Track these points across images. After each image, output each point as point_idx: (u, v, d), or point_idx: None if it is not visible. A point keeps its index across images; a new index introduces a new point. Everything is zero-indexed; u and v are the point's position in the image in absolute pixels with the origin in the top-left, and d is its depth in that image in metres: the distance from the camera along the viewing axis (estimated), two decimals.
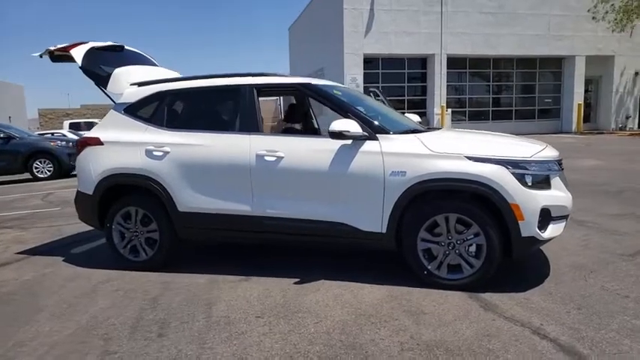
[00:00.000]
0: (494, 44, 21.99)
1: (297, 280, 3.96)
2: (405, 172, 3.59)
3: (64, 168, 13.87)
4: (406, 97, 22.43)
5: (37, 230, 6.51)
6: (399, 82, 22.11)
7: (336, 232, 3.85)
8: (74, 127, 25.81)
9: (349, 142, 3.78)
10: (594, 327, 2.94)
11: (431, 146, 3.63)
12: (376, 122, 3.87)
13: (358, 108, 3.99)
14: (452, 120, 21.73)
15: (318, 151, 3.86)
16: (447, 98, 22.08)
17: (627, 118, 24.03)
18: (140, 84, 4.63)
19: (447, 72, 21.96)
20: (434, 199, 3.62)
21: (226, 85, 4.27)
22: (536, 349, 2.70)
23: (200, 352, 2.83)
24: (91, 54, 4.68)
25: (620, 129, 23.62)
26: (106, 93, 4.74)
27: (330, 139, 3.82)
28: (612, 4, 20.98)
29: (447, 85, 22.08)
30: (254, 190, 4.01)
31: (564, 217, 3.67)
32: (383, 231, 3.71)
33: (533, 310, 3.22)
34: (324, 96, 4.08)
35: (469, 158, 3.51)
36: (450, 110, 21.52)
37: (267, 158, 3.95)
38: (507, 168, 3.46)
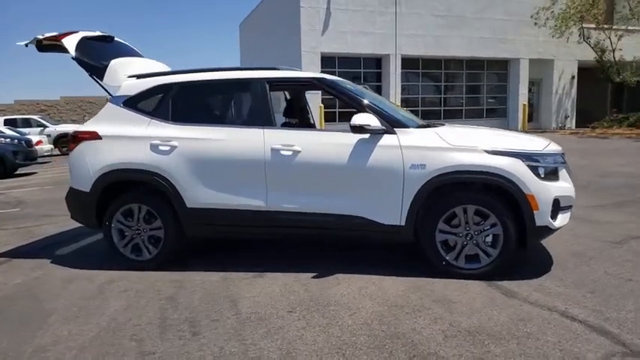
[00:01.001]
0: (445, 46, 22.71)
1: (313, 274, 3.94)
2: (425, 165, 3.67)
3: (8, 167, 13.02)
4: None
5: (4, 233, 6.08)
6: (356, 81, 22.38)
7: (353, 225, 3.87)
8: (10, 123, 24.23)
9: (367, 136, 3.81)
10: (613, 308, 3.14)
11: (449, 140, 3.73)
12: (393, 116, 3.93)
13: (374, 103, 4.03)
14: None
15: (335, 145, 3.86)
16: (401, 97, 22.60)
17: (566, 117, 25.56)
18: (139, 76, 4.45)
19: (402, 72, 22.46)
20: (452, 191, 3.72)
21: (237, 79, 4.19)
22: (571, 330, 2.85)
23: (244, 349, 2.77)
24: (82, 44, 4.45)
25: (560, 128, 25.07)
26: (101, 85, 4.52)
27: (346, 134, 3.85)
28: (552, 12, 22.23)
29: (401, 85, 22.60)
30: (268, 185, 3.96)
31: (570, 207, 3.88)
32: (402, 223, 3.77)
33: (552, 295, 3.39)
34: (340, 90, 4.10)
35: (487, 151, 3.64)
36: (404, 109, 22.00)
37: (282, 152, 3.91)
38: (522, 160, 3.61)
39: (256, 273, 4.05)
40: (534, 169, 3.62)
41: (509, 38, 23.63)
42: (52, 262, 4.62)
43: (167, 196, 4.11)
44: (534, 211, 3.58)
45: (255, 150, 3.95)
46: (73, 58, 4.38)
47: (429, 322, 3.03)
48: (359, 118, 3.71)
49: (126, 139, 4.20)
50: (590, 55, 23.56)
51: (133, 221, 4.24)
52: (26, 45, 4.60)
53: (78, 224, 5.10)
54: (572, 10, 22.25)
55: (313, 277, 3.88)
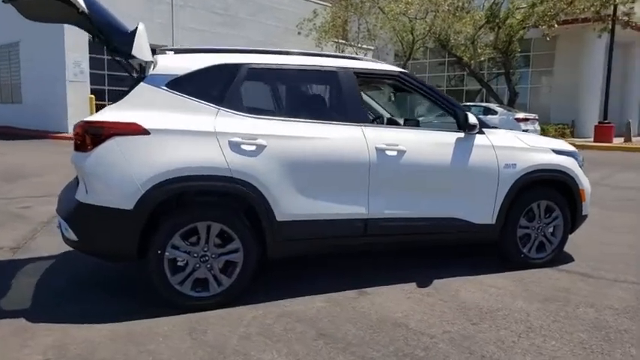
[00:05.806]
0: (224, 43, 22.58)
1: (412, 283, 3.70)
2: (516, 164, 3.89)
3: None
4: None
5: None
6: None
7: (451, 228, 3.81)
8: None
9: (462, 135, 3.80)
10: None
11: (525, 140, 4.05)
12: (479, 117, 4.00)
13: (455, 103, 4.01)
14: None
15: (438, 145, 3.73)
16: None
17: None
18: (177, 50, 3.31)
19: None
20: (531, 188, 4.03)
21: (324, 67, 3.54)
22: None
23: None
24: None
25: None
26: (119, 59, 3.18)
27: (444, 132, 3.82)
28: (314, 24, 24.67)
29: None
30: (371, 189, 3.52)
31: None
32: (493, 222, 3.89)
33: (614, 272, 4.00)
34: (428, 87, 3.92)
35: (554, 151, 4.10)
36: None
37: (388, 153, 3.54)
38: (573, 159, 4.21)
39: (355, 290, 3.55)
40: (580, 166, 4.26)
41: (277, 43, 25.07)
42: (47, 322, 3.01)
43: (252, 208, 3.20)
44: (583, 203, 4.21)
45: (360, 150, 3.46)
46: (87, 19, 2.98)
47: (589, 308, 3.30)
48: (473, 117, 3.68)
49: (189, 135, 3.08)
50: None
51: (197, 245, 3.14)
52: (4, 1, 2.89)
53: None
54: (329, 24, 25.13)
55: (419, 287, 3.65)
